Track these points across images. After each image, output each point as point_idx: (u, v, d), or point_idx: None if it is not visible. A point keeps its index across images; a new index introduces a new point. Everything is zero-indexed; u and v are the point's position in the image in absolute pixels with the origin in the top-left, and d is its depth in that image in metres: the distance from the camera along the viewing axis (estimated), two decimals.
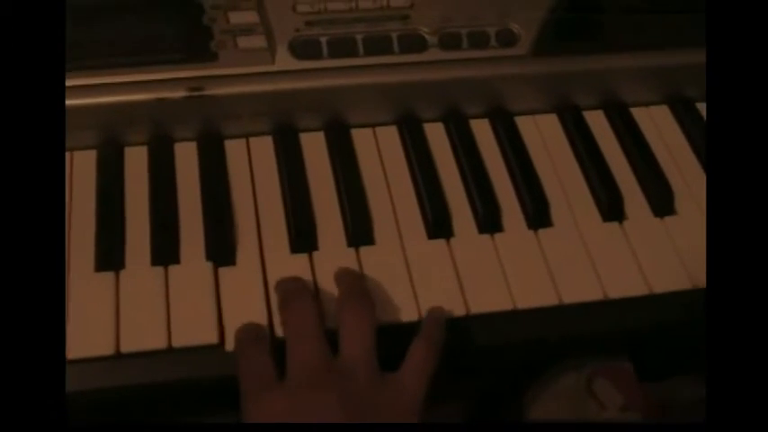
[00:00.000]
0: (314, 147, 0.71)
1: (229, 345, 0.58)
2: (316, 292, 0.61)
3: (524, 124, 0.74)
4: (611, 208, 0.69)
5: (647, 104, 0.77)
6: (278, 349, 0.57)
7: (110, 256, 0.62)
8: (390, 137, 0.72)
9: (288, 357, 0.55)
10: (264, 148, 0.70)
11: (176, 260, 0.63)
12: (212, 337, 0.58)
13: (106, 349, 0.57)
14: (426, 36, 0.72)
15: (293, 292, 0.59)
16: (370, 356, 0.55)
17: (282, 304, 0.58)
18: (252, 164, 0.69)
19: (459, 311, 0.61)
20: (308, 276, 0.62)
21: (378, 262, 0.63)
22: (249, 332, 0.58)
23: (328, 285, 0.62)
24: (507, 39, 0.72)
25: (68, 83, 0.64)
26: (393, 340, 0.57)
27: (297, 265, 0.63)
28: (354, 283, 0.61)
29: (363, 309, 0.57)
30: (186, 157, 0.69)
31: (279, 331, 0.59)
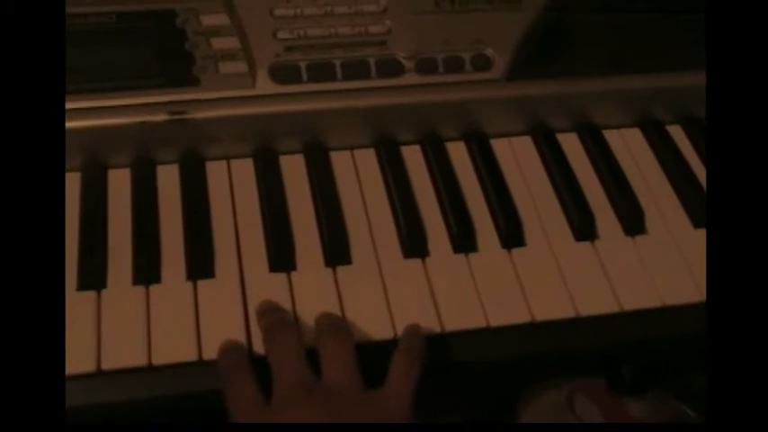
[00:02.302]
0: (293, 169, 0.72)
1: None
2: (293, 310, 0.63)
3: (499, 146, 0.76)
4: (583, 228, 0.70)
5: (619, 127, 0.79)
6: (258, 367, 0.58)
7: (92, 275, 0.63)
8: (368, 159, 0.74)
9: (274, 381, 0.56)
10: (245, 170, 0.72)
11: (157, 280, 0.64)
12: (192, 355, 0.60)
13: (87, 366, 0.58)
14: (403, 61, 0.73)
15: (277, 324, 0.60)
16: (354, 375, 0.57)
17: (267, 336, 0.60)
18: (232, 186, 0.71)
19: (433, 329, 0.63)
20: (286, 295, 0.63)
21: (354, 281, 0.65)
22: (233, 358, 0.59)
23: (306, 304, 0.63)
24: (482, 63, 0.74)
25: None
26: (370, 360, 0.58)
27: (275, 285, 0.64)
28: (332, 318, 0.62)
29: (342, 333, 0.59)
30: (168, 179, 0.71)
31: (258, 348, 0.60)
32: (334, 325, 0.61)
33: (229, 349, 0.60)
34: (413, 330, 0.62)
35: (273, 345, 0.59)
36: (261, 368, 0.58)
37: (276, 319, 0.61)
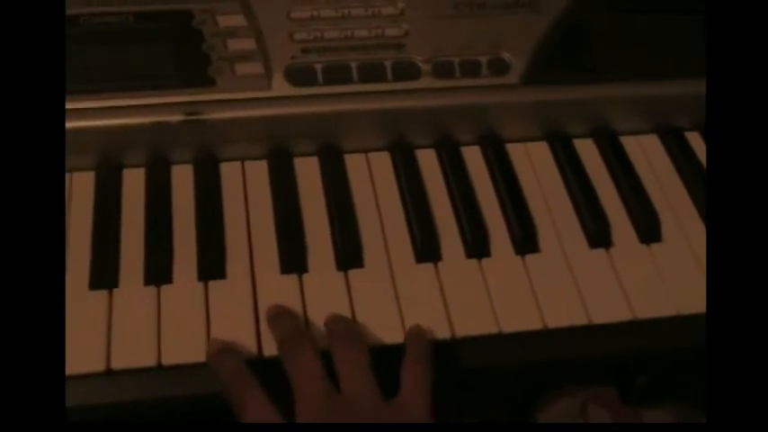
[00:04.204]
0: (307, 171, 0.72)
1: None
2: (304, 312, 0.63)
3: (515, 151, 0.75)
4: (598, 235, 0.70)
5: (636, 133, 0.78)
6: (266, 369, 0.58)
7: (104, 275, 0.63)
8: (383, 162, 0.74)
9: (296, 399, 0.56)
10: (259, 171, 0.72)
11: (169, 280, 0.64)
12: (201, 356, 0.60)
13: (97, 366, 0.58)
14: (420, 64, 0.73)
15: (295, 337, 0.59)
16: (372, 385, 0.56)
17: (286, 349, 0.59)
18: (246, 187, 0.71)
19: (444, 334, 0.62)
20: (296, 297, 0.63)
21: (366, 285, 0.65)
22: (294, 330, 0.60)
23: (317, 307, 0.63)
24: (499, 68, 0.74)
25: (69, 105, 0.65)
26: (381, 364, 0.58)
27: (286, 287, 0.64)
28: (345, 324, 0.62)
29: (357, 341, 0.59)
30: (182, 179, 0.71)
31: (268, 351, 0.60)
32: (348, 332, 0.60)
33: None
34: (416, 334, 0.62)
35: (293, 360, 0.58)
36: (271, 372, 0.58)
37: (293, 330, 0.60)
